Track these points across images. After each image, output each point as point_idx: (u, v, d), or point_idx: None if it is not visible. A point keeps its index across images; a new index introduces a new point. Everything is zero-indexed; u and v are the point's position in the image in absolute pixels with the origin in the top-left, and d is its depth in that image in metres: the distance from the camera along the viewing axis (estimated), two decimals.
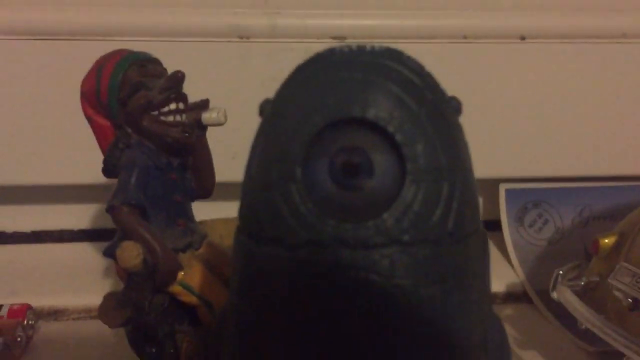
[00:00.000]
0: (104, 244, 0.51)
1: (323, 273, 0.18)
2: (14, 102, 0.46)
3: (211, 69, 0.48)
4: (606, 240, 0.37)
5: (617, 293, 0.33)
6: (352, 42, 0.20)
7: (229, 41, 0.47)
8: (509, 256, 0.50)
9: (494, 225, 0.53)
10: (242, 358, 0.20)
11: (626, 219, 0.39)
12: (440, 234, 0.18)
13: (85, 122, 0.42)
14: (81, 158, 0.47)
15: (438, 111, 0.19)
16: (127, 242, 0.29)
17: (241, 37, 0.47)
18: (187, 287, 0.30)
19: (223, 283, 0.32)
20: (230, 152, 0.43)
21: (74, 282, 0.46)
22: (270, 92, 0.49)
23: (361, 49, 0.19)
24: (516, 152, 0.51)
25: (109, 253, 0.30)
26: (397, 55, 0.19)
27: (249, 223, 0.20)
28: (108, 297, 0.30)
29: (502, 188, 0.52)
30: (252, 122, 0.43)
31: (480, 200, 0.56)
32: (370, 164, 0.18)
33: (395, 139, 0.18)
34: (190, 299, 0.30)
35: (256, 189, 0.19)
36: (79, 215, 0.52)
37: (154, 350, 0.31)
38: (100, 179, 0.47)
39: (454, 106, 0.20)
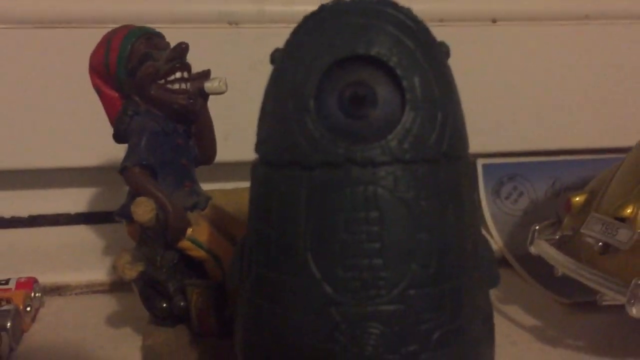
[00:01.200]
0: (100, 227, 0.53)
1: (337, 188, 0.20)
2: (9, 88, 0.48)
3: (202, 54, 0.49)
4: (577, 198, 0.41)
5: (589, 239, 0.36)
6: None
7: (218, 27, 0.50)
8: (487, 226, 0.53)
9: None
10: (267, 275, 0.22)
11: (595, 179, 0.42)
12: (436, 154, 0.21)
13: (80, 107, 0.44)
14: (75, 142, 0.49)
15: (431, 51, 0.21)
16: (141, 198, 0.31)
17: (230, 23, 0.50)
18: (196, 242, 0.33)
19: (228, 240, 0.34)
20: (222, 133, 0.45)
21: (73, 260, 0.48)
22: (259, 75, 0.51)
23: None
24: (492, 129, 0.54)
25: (122, 213, 0.32)
26: (393, 4, 0.22)
27: (267, 152, 0.22)
28: (123, 253, 0.32)
29: (480, 163, 0.56)
30: (243, 105, 0.45)
31: None
32: (374, 95, 0.20)
33: (396, 72, 0.20)
34: (200, 253, 0.33)
35: (273, 122, 0.22)
36: (75, 199, 0.54)
37: (164, 304, 0.33)
38: (95, 162, 0.49)
39: (444, 50, 0.22)
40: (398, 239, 0.20)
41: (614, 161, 0.43)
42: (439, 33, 0.52)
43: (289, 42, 0.22)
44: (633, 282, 0.31)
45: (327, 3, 0.22)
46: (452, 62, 0.52)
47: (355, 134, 0.20)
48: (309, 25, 0.22)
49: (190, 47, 0.49)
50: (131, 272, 0.31)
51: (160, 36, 0.34)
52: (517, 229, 0.53)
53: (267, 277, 0.22)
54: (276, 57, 0.23)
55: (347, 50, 0.20)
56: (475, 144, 0.55)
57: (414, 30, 0.21)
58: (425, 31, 0.22)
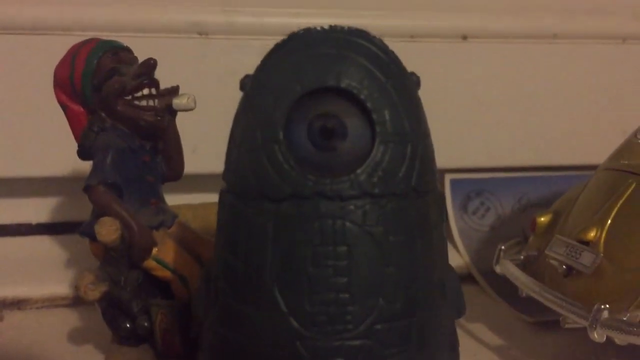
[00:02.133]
0: (63, 237, 0.52)
1: (305, 221, 0.20)
2: None
3: (171, 65, 0.48)
4: (542, 219, 0.41)
5: (553, 262, 0.36)
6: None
7: (188, 37, 0.49)
8: (454, 241, 0.54)
9: None
10: (232, 308, 0.22)
11: (561, 199, 0.42)
12: (405, 189, 0.21)
13: (43, 115, 0.43)
14: (38, 151, 0.48)
15: (402, 83, 0.21)
16: (105, 217, 0.30)
17: (200, 34, 0.49)
18: (161, 262, 0.32)
19: (195, 259, 0.34)
20: (190, 145, 0.44)
21: (35, 273, 0.47)
22: (228, 86, 0.51)
23: (333, 29, 0.21)
24: (460, 144, 0.55)
25: (86, 231, 0.32)
26: (365, 34, 0.22)
27: (236, 183, 0.22)
28: (85, 273, 0.31)
29: (447, 178, 0.56)
30: (212, 116, 0.45)
31: None
32: (344, 128, 0.20)
33: (366, 105, 0.20)
34: (165, 273, 0.32)
35: (242, 152, 0.21)
36: (36, 209, 0.53)
37: (128, 325, 0.33)
38: (57, 172, 0.48)
39: (414, 80, 0.22)
40: (366, 274, 0.20)
41: (578, 178, 0.44)
42: (410, 49, 0.52)
43: (258, 70, 0.22)
44: (595, 307, 0.31)
45: (298, 31, 0.22)
46: (422, 77, 0.52)
47: (324, 166, 0.20)
48: (279, 54, 0.22)
49: (159, 57, 0.49)
50: (94, 293, 0.31)
51: (127, 50, 0.34)
52: (484, 244, 0.53)
53: (233, 308, 0.22)
54: (246, 84, 0.22)
55: (317, 82, 0.20)
56: (444, 159, 0.56)
57: (386, 62, 0.21)
58: (397, 63, 0.22)
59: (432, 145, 0.22)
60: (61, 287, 0.45)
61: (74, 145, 0.34)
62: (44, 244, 0.51)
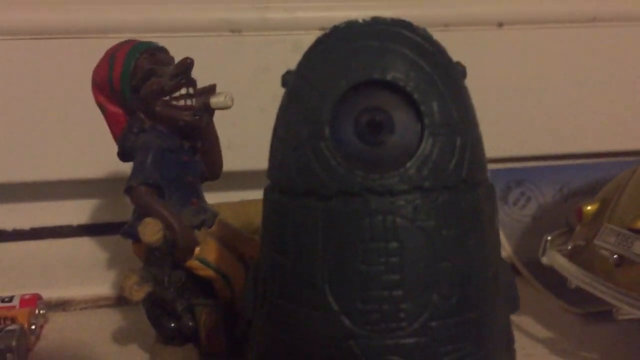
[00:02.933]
0: (104, 239, 0.52)
1: (355, 218, 0.20)
2: (11, 100, 0.47)
3: (204, 63, 0.48)
4: (589, 208, 0.40)
5: (603, 252, 0.35)
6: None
7: (220, 35, 0.49)
8: None
9: None
10: (282, 307, 0.21)
11: (607, 186, 0.41)
12: (456, 181, 0.20)
13: (82, 117, 0.43)
14: (77, 154, 0.48)
15: (448, 73, 0.21)
16: (148, 218, 0.30)
17: (232, 31, 0.49)
18: (204, 262, 0.32)
19: (236, 258, 0.34)
20: (225, 142, 0.44)
21: (77, 274, 0.47)
22: (262, 82, 0.51)
23: (375, 20, 0.21)
24: (499, 134, 0.54)
25: (128, 232, 0.32)
26: (408, 25, 0.21)
27: (281, 180, 0.21)
28: (129, 274, 0.31)
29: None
30: (246, 113, 0.45)
31: None
32: (392, 121, 0.20)
33: (413, 98, 0.20)
34: (208, 272, 0.32)
35: (287, 149, 0.21)
36: (77, 211, 0.53)
37: (172, 325, 0.33)
38: (98, 174, 0.49)
39: (461, 70, 0.22)
40: (418, 270, 0.20)
41: (621, 165, 0.43)
42: (444, 38, 0.51)
43: (301, 65, 0.22)
44: None
45: (340, 24, 0.21)
46: None
47: (372, 161, 0.20)
48: (322, 48, 0.21)
49: (193, 56, 0.49)
50: (139, 294, 0.31)
51: (163, 51, 0.34)
52: (526, 235, 0.52)
53: (282, 308, 0.21)
54: (288, 80, 0.22)
55: (362, 75, 0.20)
56: None
57: (431, 52, 0.21)
58: (442, 53, 0.21)
59: (481, 136, 0.22)
60: (104, 288, 0.46)
61: (113, 147, 0.34)
62: (86, 246, 0.52)
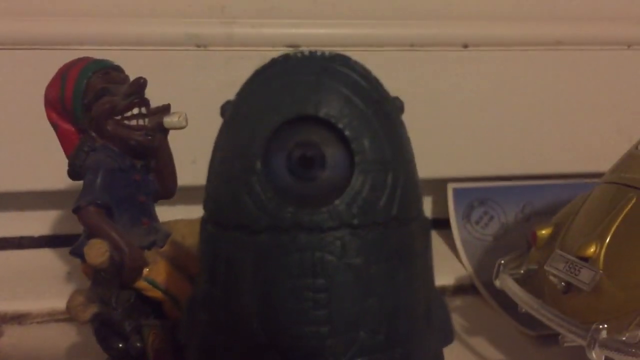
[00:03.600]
0: (65, 250, 0.52)
1: (284, 254, 0.20)
2: None
3: (169, 77, 0.49)
4: (543, 232, 0.40)
5: (552, 278, 0.36)
6: (306, 49, 0.22)
7: (186, 49, 0.49)
8: (457, 252, 0.53)
9: (444, 223, 0.56)
10: (212, 338, 0.21)
11: (561, 211, 0.42)
12: (386, 218, 0.20)
13: (43, 129, 0.43)
14: (39, 165, 0.48)
15: (383, 110, 0.21)
16: (94, 240, 0.30)
17: (198, 46, 0.49)
18: (152, 283, 0.32)
19: (187, 279, 0.33)
20: (190, 157, 0.44)
21: (36, 287, 0.47)
22: (227, 97, 0.51)
23: (313, 55, 0.21)
24: (462, 153, 0.54)
25: (76, 252, 0.32)
26: (345, 60, 0.21)
27: (215, 213, 0.21)
28: (75, 295, 0.31)
29: (450, 187, 0.55)
30: (211, 128, 0.45)
31: (430, 199, 0.59)
32: (323, 157, 0.20)
33: (345, 134, 0.20)
34: (156, 293, 0.32)
35: (220, 182, 0.21)
36: (39, 222, 0.53)
37: (120, 345, 0.33)
38: (59, 185, 0.48)
39: (398, 105, 0.22)
40: (346, 306, 0.20)
41: (583, 186, 0.43)
42: (410, 58, 0.52)
43: (238, 97, 0.22)
44: (593, 326, 0.31)
45: (277, 57, 0.21)
46: (422, 86, 0.52)
47: (303, 197, 0.20)
48: (258, 81, 0.21)
49: (158, 70, 0.49)
50: (84, 315, 0.31)
51: (118, 70, 0.33)
52: (487, 254, 0.53)
53: (213, 339, 0.21)
54: (226, 110, 0.22)
55: (295, 111, 0.20)
56: (446, 168, 0.56)
57: (366, 89, 0.21)
58: (379, 89, 0.21)
59: (416, 172, 0.22)
60: (62, 302, 0.44)
61: None
62: (46, 257, 0.51)
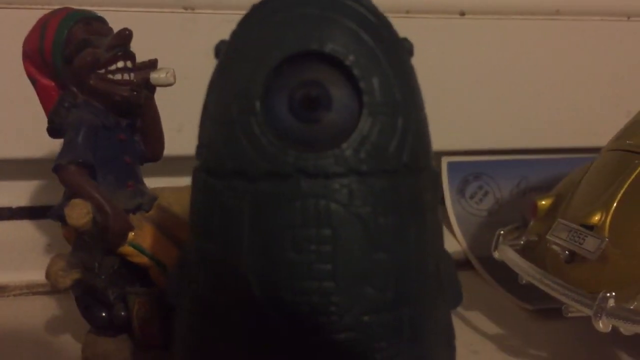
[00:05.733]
0: (45, 222, 0.50)
1: (285, 202, 0.18)
2: None
3: (156, 40, 0.46)
4: (543, 202, 0.39)
5: (555, 247, 0.35)
6: None
7: (172, 12, 0.47)
8: (451, 226, 0.52)
9: None
10: (206, 297, 0.20)
11: (562, 182, 0.41)
12: (396, 165, 0.19)
13: (20, 94, 0.41)
14: (16, 131, 0.46)
15: (393, 49, 0.19)
16: (76, 199, 0.28)
17: (186, 8, 0.47)
18: (138, 248, 0.30)
19: (175, 245, 0.32)
20: (175, 125, 0.42)
21: (14, 259, 0.45)
22: (215, 63, 0.49)
23: None
24: (458, 126, 0.53)
25: (56, 213, 0.30)
26: None
27: (209, 159, 0.20)
28: (56, 259, 0.29)
29: (444, 161, 0.54)
30: (198, 94, 0.42)
31: None
32: (329, 97, 0.18)
33: (353, 73, 0.18)
34: (142, 259, 0.30)
35: (216, 125, 0.19)
36: (17, 192, 0.51)
37: (104, 314, 0.31)
38: (38, 153, 0.46)
39: (407, 47, 0.20)
40: (352, 260, 0.18)
41: (580, 161, 0.42)
42: (405, 25, 0.49)
43: (235, 34, 0.20)
44: (600, 295, 0.29)
45: None
46: (417, 56, 0.50)
47: (306, 140, 0.18)
48: (257, 16, 0.19)
49: (144, 33, 0.46)
50: (65, 280, 0.29)
51: (101, 21, 0.31)
52: (482, 229, 0.52)
53: (206, 298, 0.20)
54: (221, 49, 0.20)
55: (298, 46, 0.18)
56: (440, 140, 0.53)
57: (375, 25, 0.19)
58: (388, 27, 0.20)
59: (427, 119, 0.20)
60: (41, 274, 0.43)
61: None
62: (24, 229, 0.49)
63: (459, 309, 0.41)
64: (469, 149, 0.54)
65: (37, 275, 0.43)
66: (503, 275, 0.44)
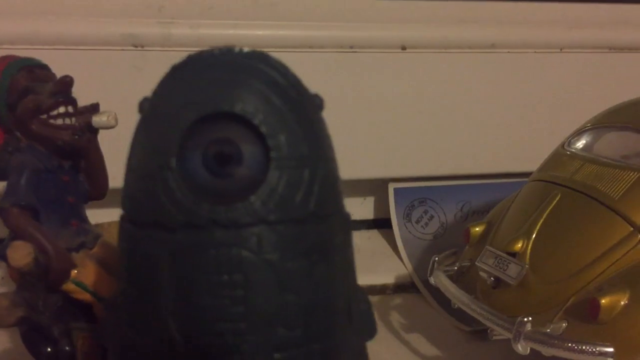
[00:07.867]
0: None
1: (200, 250, 0.20)
2: None
3: (106, 77, 0.48)
4: (476, 229, 0.41)
5: (482, 274, 0.37)
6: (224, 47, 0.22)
7: (123, 49, 0.48)
8: (398, 251, 0.54)
9: (385, 223, 0.57)
10: (129, 338, 0.21)
11: (494, 209, 0.43)
12: (304, 213, 0.20)
13: None
14: None
15: (300, 106, 0.21)
16: (17, 241, 0.29)
17: (136, 46, 0.48)
18: (80, 285, 0.31)
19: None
20: (123, 158, 0.43)
21: None
22: None
23: (229, 51, 0.21)
24: (403, 154, 0.55)
25: (0, 254, 0.31)
26: (262, 57, 0.21)
27: (131, 210, 0.21)
28: (0, 298, 0.30)
29: (391, 187, 0.56)
30: None
31: (372, 199, 0.60)
32: (239, 153, 0.20)
33: (261, 131, 0.20)
34: (85, 296, 0.31)
35: (137, 178, 0.21)
36: None
37: (49, 349, 0.32)
38: None
39: (317, 103, 0.22)
40: (263, 302, 0.20)
41: (517, 185, 0.44)
42: (349, 60, 0.52)
43: (155, 93, 0.22)
44: (518, 319, 0.31)
45: (194, 54, 0.21)
46: (362, 87, 0.52)
47: (219, 193, 0.20)
48: (175, 77, 0.21)
49: (93, 70, 0.48)
50: (9, 319, 0.30)
51: (44, 68, 0.33)
52: (427, 253, 0.54)
53: (131, 339, 0.21)
54: (144, 106, 0.22)
55: (210, 107, 0.20)
56: (386, 168, 0.56)
57: (283, 86, 0.21)
58: (296, 86, 0.21)
59: (336, 168, 0.22)
60: None
61: None
62: None
63: (401, 331, 0.43)
64: (414, 176, 0.56)
65: None
66: (444, 297, 0.46)
